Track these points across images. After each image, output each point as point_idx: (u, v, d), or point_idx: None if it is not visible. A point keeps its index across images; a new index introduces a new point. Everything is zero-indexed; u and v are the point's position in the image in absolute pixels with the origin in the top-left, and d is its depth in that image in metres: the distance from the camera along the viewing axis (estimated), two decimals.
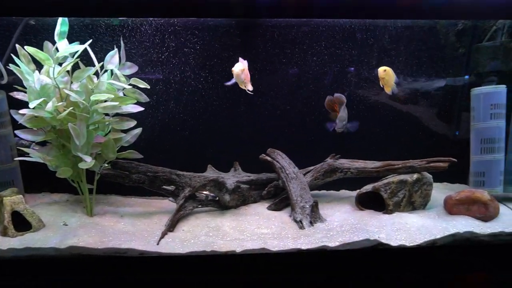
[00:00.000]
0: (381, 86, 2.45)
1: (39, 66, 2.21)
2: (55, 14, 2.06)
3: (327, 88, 2.79)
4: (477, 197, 2.28)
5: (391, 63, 2.75)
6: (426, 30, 2.78)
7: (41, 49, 2.15)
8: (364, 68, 2.80)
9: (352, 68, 2.79)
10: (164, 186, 2.42)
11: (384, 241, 2.01)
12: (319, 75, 2.77)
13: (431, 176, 2.52)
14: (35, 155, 2.20)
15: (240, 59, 2.24)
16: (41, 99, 2.08)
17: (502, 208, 2.39)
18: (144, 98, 2.37)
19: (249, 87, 2.30)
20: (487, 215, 2.26)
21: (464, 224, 2.19)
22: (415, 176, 2.46)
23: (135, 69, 2.39)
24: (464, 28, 2.73)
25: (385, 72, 2.41)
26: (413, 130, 2.90)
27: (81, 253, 1.94)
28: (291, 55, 2.72)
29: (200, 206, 2.47)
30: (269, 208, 2.52)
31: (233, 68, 2.22)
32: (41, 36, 2.41)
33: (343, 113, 2.49)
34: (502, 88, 2.52)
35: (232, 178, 2.53)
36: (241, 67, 2.21)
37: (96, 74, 2.27)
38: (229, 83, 2.29)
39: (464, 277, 2.32)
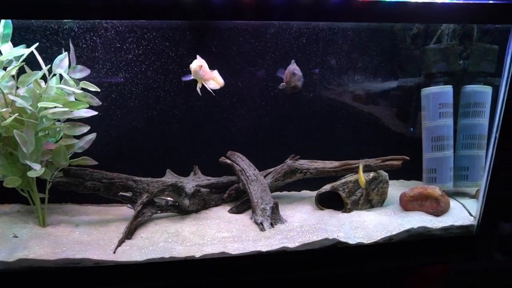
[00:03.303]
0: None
1: None
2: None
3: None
4: (429, 193, 2.37)
5: (356, 65, 2.84)
6: (386, 34, 2.87)
7: None
8: (323, 69, 2.84)
9: (317, 70, 2.81)
10: (121, 193, 2.36)
11: (343, 239, 2.06)
12: (280, 76, 2.78)
13: (386, 174, 2.59)
14: None
15: (198, 56, 2.20)
16: None
17: (453, 203, 2.49)
18: (96, 102, 2.30)
19: (211, 85, 2.25)
20: (439, 210, 2.35)
21: (418, 220, 2.27)
22: (372, 174, 2.52)
23: (86, 72, 2.30)
24: (418, 31, 2.83)
25: None
26: (373, 129, 2.97)
27: (32, 265, 1.86)
28: (250, 57, 2.72)
29: (159, 211, 2.42)
30: (231, 211, 2.51)
31: (190, 65, 2.18)
32: None
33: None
34: (449, 88, 2.64)
35: (192, 182, 2.50)
36: (198, 63, 2.17)
37: (45, 78, 2.16)
38: (186, 79, 2.23)
39: (419, 270, 2.41)
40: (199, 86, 2.23)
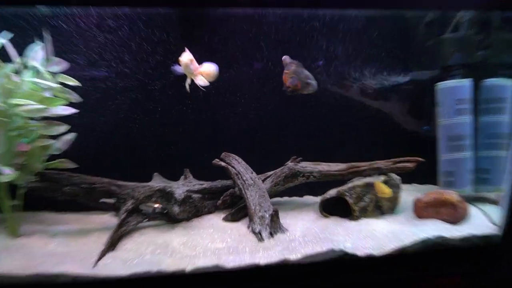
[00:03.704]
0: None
1: None
2: None
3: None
4: (446, 199, 2.34)
5: (364, 57, 2.83)
6: (397, 22, 2.87)
7: None
8: (327, 61, 2.83)
9: (320, 62, 2.82)
10: (102, 200, 2.34)
11: (350, 250, 2.02)
12: (278, 70, 2.76)
13: (399, 177, 2.57)
14: None
15: (186, 49, 2.18)
16: None
17: (472, 209, 2.46)
18: (75, 97, 2.26)
19: (200, 82, 2.24)
20: (457, 217, 2.32)
21: (433, 229, 2.23)
22: (382, 178, 2.50)
23: (65, 65, 2.26)
24: (433, 19, 2.82)
25: None
26: (383, 127, 2.96)
27: (3, 281, 1.80)
28: (244, 50, 2.71)
29: (146, 220, 2.38)
30: (225, 219, 2.49)
31: (180, 58, 2.17)
32: None
33: (301, 71, 2.40)
34: (467, 82, 2.61)
35: (182, 187, 2.48)
36: (189, 57, 2.16)
37: (18, 72, 2.13)
38: (176, 70, 2.22)
39: (435, 284, 2.36)
40: (188, 82, 2.23)
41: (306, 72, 2.39)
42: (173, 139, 2.74)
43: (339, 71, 2.84)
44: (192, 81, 2.24)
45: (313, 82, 2.38)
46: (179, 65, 2.21)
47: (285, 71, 2.46)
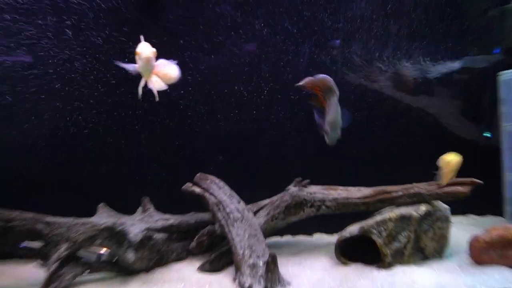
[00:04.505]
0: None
1: None
2: None
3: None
4: None
5: (398, 34, 2.86)
6: None
7: None
8: (350, 39, 2.89)
9: (338, 41, 2.87)
10: (24, 243, 2.33)
11: None
12: (278, 56, 2.82)
13: (447, 207, 2.57)
14: None
15: (142, 38, 2.19)
16: None
17: None
18: None
19: (156, 85, 2.27)
20: None
21: (498, 280, 2.24)
22: (423, 208, 2.50)
23: None
24: None
25: None
26: (425, 134, 2.98)
27: None
28: (229, 28, 2.78)
29: (87, 272, 2.39)
30: (202, 268, 2.49)
31: (138, 50, 2.17)
32: None
33: (333, 112, 2.40)
34: None
35: (139, 223, 2.47)
36: (151, 49, 2.16)
37: None
38: (125, 66, 2.23)
39: None
40: (142, 83, 2.25)
41: (339, 118, 2.39)
42: (128, 155, 2.77)
43: (363, 54, 2.87)
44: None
45: (332, 138, 2.38)
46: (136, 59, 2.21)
47: (324, 95, 2.42)
